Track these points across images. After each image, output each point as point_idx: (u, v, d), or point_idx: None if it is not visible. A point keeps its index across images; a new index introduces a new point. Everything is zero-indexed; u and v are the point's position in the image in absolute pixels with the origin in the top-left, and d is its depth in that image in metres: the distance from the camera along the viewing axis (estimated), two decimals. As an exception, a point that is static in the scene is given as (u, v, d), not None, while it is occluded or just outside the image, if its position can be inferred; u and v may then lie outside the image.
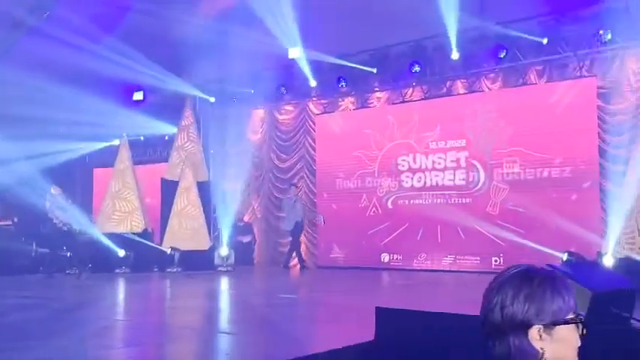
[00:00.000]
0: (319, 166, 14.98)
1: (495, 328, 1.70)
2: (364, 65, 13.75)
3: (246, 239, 15.60)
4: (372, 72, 13.66)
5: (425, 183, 13.31)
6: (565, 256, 9.77)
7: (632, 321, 4.83)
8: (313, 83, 14.63)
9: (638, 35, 10.65)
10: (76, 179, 19.07)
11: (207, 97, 16.26)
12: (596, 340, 4.20)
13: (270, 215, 15.92)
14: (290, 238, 14.31)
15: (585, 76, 11.57)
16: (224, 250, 14.07)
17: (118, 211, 14.47)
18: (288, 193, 14.52)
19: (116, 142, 16.67)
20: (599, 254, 9.50)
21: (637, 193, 9.38)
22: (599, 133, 11.30)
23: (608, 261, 9.07)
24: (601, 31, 10.93)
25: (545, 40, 11.52)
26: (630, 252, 9.15)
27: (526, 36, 11.58)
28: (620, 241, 9.43)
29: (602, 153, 11.25)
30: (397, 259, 13.39)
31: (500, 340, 1.69)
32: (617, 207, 9.71)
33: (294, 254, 14.23)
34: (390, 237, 13.49)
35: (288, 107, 15.73)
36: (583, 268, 5.31)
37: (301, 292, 10.91)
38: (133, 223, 14.36)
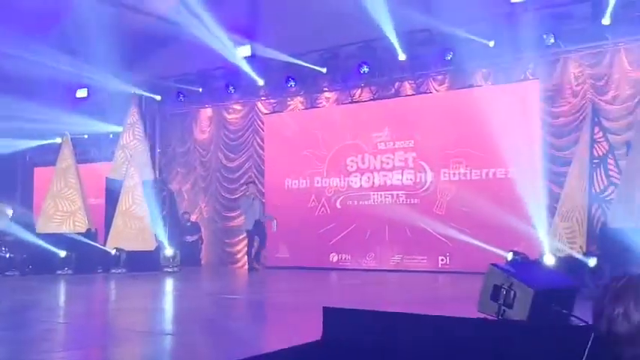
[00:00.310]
0: (268, 166, 14.92)
1: (625, 338, 1.81)
2: (313, 65, 13.76)
3: (192, 238, 15.43)
4: (322, 72, 13.69)
5: (373, 183, 13.40)
6: (510, 256, 9.95)
7: (571, 318, 4.95)
8: (261, 82, 14.59)
9: (578, 40, 10.98)
10: (17, 178, 18.59)
11: (153, 95, 16.03)
12: (537, 336, 4.28)
13: (218, 215, 15.79)
14: (245, 236, 14.19)
15: (529, 79, 11.84)
16: (170, 251, 13.89)
17: (60, 211, 14.12)
18: (246, 191, 14.19)
19: (58, 140, 16.27)
20: (543, 254, 9.71)
21: (577, 194, 9.63)
22: (542, 134, 11.57)
23: (550, 260, 9.28)
24: (544, 36, 11.22)
25: (491, 43, 11.72)
26: (571, 251, 9.37)
27: (473, 37, 11.74)
28: (562, 241, 9.65)
29: (545, 154, 11.52)
30: (345, 259, 13.44)
31: (633, 347, 1.80)
32: (560, 207, 9.94)
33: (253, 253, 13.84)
34: (339, 237, 13.53)
35: (237, 106, 15.63)
36: (526, 266, 5.44)
37: (247, 293, 10.85)
38: (76, 223, 14.03)
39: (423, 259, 12.42)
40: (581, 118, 10.99)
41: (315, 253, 13.68)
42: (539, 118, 11.59)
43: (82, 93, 16.51)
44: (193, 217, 16.06)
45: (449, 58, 12.22)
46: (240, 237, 15.39)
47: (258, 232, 13.42)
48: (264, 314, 7.82)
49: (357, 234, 13.27)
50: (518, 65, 11.93)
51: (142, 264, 13.33)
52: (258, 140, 15.23)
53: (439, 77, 12.92)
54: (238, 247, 15.48)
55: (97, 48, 13.85)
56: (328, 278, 12.27)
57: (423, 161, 12.76)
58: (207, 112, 16.12)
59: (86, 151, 16.90)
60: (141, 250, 13.65)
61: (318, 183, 14.10)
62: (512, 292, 4.85)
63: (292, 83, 14.07)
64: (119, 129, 15.48)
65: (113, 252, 13.43)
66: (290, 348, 4.79)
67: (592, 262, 8.53)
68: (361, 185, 13.53)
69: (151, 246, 13.90)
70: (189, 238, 15.32)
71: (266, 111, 15.17)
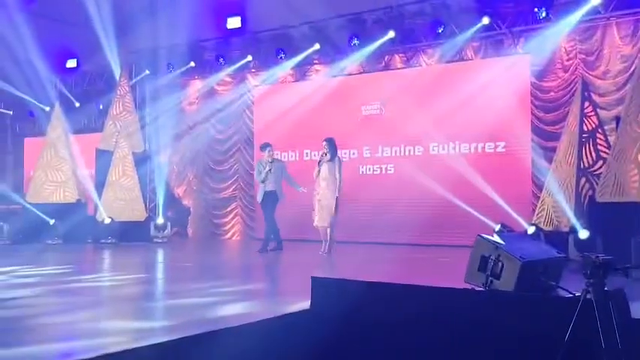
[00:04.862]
0: (257, 139, 14.87)
1: None
2: (304, 37, 13.71)
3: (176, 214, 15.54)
4: (312, 44, 13.60)
5: (362, 156, 13.42)
6: (498, 227, 10.06)
7: (558, 289, 5.02)
8: (251, 55, 14.51)
9: (571, 14, 10.94)
10: (7, 149, 18.54)
11: (143, 66, 15.90)
12: (523, 307, 4.34)
13: (206, 187, 15.79)
14: (233, 207, 14.08)
15: (519, 53, 11.82)
16: (159, 222, 14.02)
17: (51, 181, 14.13)
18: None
19: (46, 108, 16.20)
20: (530, 227, 9.79)
21: (566, 169, 9.68)
22: (531, 109, 11.60)
23: (537, 233, 9.35)
24: (536, 9, 11.19)
25: (485, 20, 11.64)
26: (559, 225, 9.45)
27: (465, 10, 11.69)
28: (549, 214, 9.73)
29: (534, 129, 11.56)
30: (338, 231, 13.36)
31: None
32: (548, 181, 10.00)
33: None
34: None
35: (227, 78, 15.53)
36: (513, 238, 5.48)
37: (235, 263, 10.90)
38: (65, 193, 14.04)
39: (414, 233, 12.32)
40: (571, 93, 11.00)
41: (308, 225, 13.59)
42: (529, 92, 11.62)
43: (71, 63, 16.39)
44: (182, 189, 16.07)
45: (440, 31, 12.18)
46: (229, 209, 15.42)
47: (264, 207, 11.26)
48: (252, 284, 7.86)
49: (350, 206, 13.25)
50: (509, 39, 11.91)
51: (132, 234, 13.42)
52: (248, 113, 15.19)
53: (429, 51, 12.87)
54: (226, 219, 15.52)
55: (87, 18, 13.74)
56: (309, 249, 12.17)
57: (413, 135, 12.75)
58: (197, 83, 16.02)
59: (76, 121, 16.80)
60: (130, 220, 13.72)
61: (307, 156, 14.08)
62: (499, 263, 4.90)
63: (282, 55, 14.00)
64: (109, 100, 15.40)
65: (107, 221, 13.45)
66: (279, 317, 4.85)
67: (583, 234, 8.61)
68: (350, 158, 13.53)
69: (140, 217, 13.96)
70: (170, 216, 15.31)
71: (256, 83, 15.10)
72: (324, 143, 10.49)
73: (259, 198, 11.29)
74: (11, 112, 18.15)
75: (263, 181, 11.07)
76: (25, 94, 16.02)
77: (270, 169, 10.99)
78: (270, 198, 11.06)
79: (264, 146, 11.42)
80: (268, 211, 11.09)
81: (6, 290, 6.77)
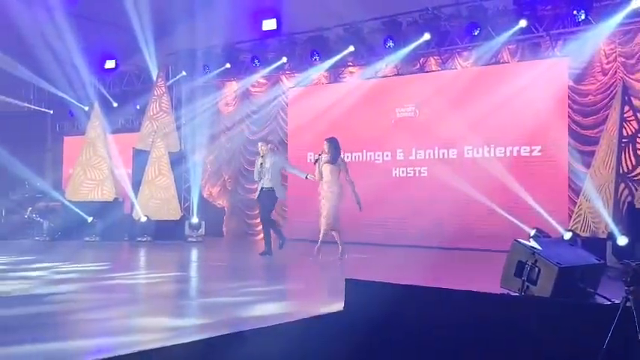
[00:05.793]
0: (291, 140, 14.94)
1: None
2: (338, 39, 13.73)
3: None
4: (347, 46, 13.59)
5: (396, 158, 13.37)
6: (533, 232, 9.94)
7: (596, 296, 4.95)
8: (286, 57, 14.56)
9: (610, 17, 10.74)
10: (47, 147, 18.92)
11: (180, 67, 16.07)
12: (560, 314, 4.28)
13: (240, 187, 15.89)
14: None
15: (557, 56, 11.66)
16: (194, 221, 14.20)
17: (89, 179, 14.38)
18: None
19: (85, 108, 16.52)
20: (566, 232, 9.66)
21: (604, 174, 9.52)
22: (569, 113, 11.43)
23: (573, 239, 9.22)
24: (575, 12, 11.00)
25: (523, 22, 11.50)
26: (596, 231, 9.30)
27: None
28: (587, 221, 9.59)
29: (571, 133, 11.38)
30: (369, 233, 13.36)
31: None
32: (585, 186, 9.85)
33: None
34: (362, 212, 13.47)
35: (262, 80, 15.61)
36: (550, 244, 5.41)
37: (269, 263, 10.93)
38: (103, 191, 14.27)
39: (448, 236, 12.21)
40: (610, 96, 10.81)
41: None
42: (567, 96, 11.44)
43: (110, 64, 16.66)
44: (216, 189, 16.19)
45: (476, 33, 12.08)
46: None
47: (260, 205, 10.86)
48: (287, 284, 7.90)
49: (380, 208, 13.22)
50: (547, 42, 11.75)
51: (167, 233, 13.62)
52: (282, 114, 15.25)
53: (465, 53, 12.77)
54: (259, 220, 15.59)
55: (126, 19, 13.96)
56: (349, 251, 12.19)
57: (447, 138, 12.67)
58: (232, 85, 16.14)
59: (114, 121, 17.08)
60: (166, 219, 13.92)
61: (341, 157, 14.06)
62: (536, 269, 4.84)
63: (317, 57, 14.02)
64: (146, 100, 15.63)
65: (143, 219, 13.67)
66: (313, 318, 4.86)
67: (622, 240, 8.46)
68: (383, 160, 13.50)
69: (175, 216, 14.15)
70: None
71: (290, 85, 15.15)
72: (325, 143, 9.94)
73: (255, 194, 10.79)
74: (52, 112, 18.56)
75: (260, 178, 10.50)
76: (65, 93, 16.39)
77: (262, 164, 10.40)
78: (266, 195, 10.44)
79: (262, 142, 11.23)
80: (264, 210, 10.57)
81: (46, 286, 6.90)
